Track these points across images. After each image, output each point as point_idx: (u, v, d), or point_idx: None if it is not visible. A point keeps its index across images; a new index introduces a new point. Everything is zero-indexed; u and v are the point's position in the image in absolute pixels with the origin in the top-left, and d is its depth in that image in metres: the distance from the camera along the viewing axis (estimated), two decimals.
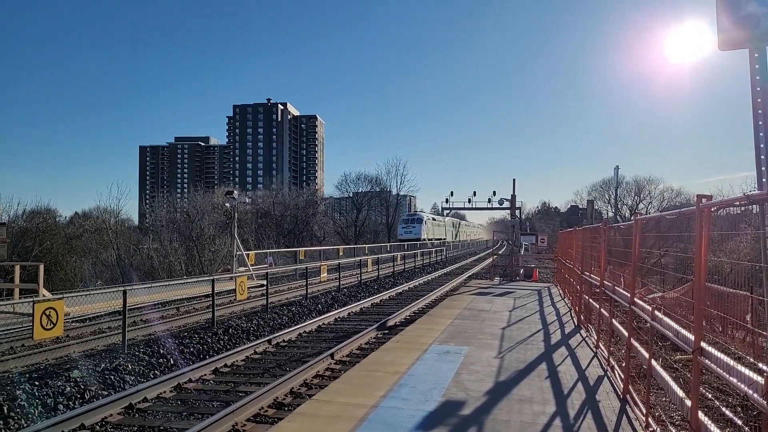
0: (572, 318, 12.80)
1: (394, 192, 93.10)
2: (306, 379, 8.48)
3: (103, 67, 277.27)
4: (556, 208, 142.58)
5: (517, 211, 33.83)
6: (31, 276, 16.90)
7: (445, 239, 75.78)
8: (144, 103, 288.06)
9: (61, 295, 9.47)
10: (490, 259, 50.81)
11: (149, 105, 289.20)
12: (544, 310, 14.31)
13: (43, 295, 13.53)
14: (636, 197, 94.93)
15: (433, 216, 78.85)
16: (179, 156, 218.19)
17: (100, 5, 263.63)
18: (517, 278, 25.61)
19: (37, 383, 7.82)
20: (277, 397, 7.48)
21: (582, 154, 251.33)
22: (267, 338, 11.32)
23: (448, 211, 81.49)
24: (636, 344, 6.26)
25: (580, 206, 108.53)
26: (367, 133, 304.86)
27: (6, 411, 6.76)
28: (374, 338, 12.02)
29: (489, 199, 59.88)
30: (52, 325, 8.26)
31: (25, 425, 6.48)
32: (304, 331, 12.81)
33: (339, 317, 15.01)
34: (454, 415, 5.76)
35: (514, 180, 30.36)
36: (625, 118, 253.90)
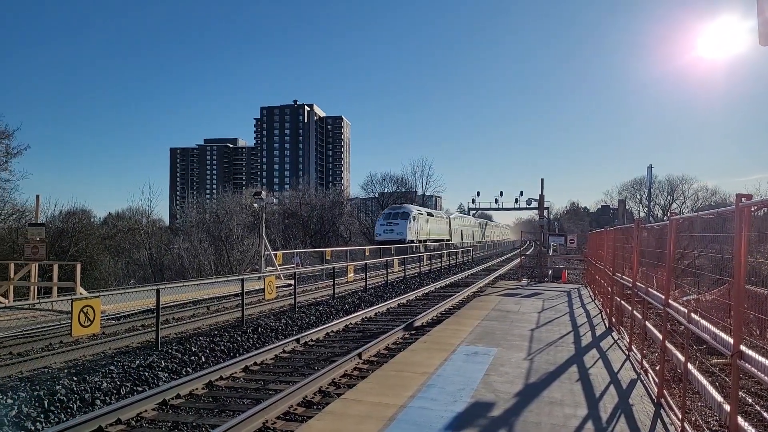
0: (603, 320, 12.59)
1: (420, 192, 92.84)
2: (334, 379, 8.54)
3: (136, 72, 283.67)
4: (585, 208, 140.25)
5: (545, 211, 33.39)
6: (67, 275, 17.40)
7: (449, 240, 63.51)
8: (175, 106, 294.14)
9: (97, 294, 9.74)
10: (518, 260, 50.45)
11: (180, 108, 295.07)
12: (574, 312, 14.11)
13: (80, 294, 13.93)
14: (669, 197, 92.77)
15: (428, 211, 62.76)
16: (208, 157, 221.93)
17: (128, 7, 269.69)
18: (546, 279, 25.29)
19: (75, 378, 8.06)
20: (306, 396, 7.55)
21: (612, 153, 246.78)
22: (295, 337, 11.43)
23: (474, 212, 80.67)
24: (671, 347, 6.12)
25: (611, 206, 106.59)
26: (392, 134, 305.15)
27: (47, 405, 6.98)
28: (401, 338, 12.02)
29: (516, 199, 59.20)
30: (89, 323, 8.49)
31: (64, 419, 6.68)
32: (332, 331, 12.89)
33: (366, 317, 15.07)
34: (484, 417, 5.73)
35: (542, 180, 29.89)
36: (657, 117, 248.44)
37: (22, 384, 7.94)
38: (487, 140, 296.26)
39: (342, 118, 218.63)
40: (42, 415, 6.72)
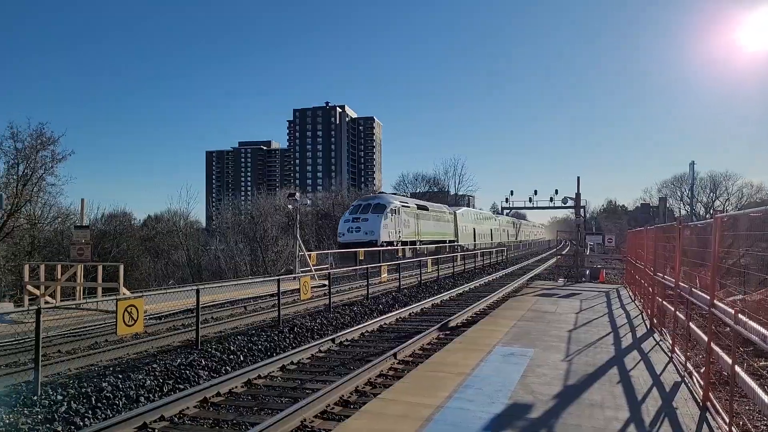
0: (644, 321, 12.28)
1: (453, 192, 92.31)
2: (370, 378, 8.58)
3: (173, 78, 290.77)
4: (623, 206, 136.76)
5: (582, 210, 32.76)
6: (110, 275, 17.98)
7: (454, 241, 51.79)
8: (210, 110, 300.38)
9: (140, 294, 10.03)
10: (554, 260, 49.60)
11: (215, 112, 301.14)
12: (613, 313, 13.80)
13: (123, 294, 14.38)
14: (711, 194, 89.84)
15: (421, 203, 47.71)
16: (243, 160, 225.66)
17: (164, 9, 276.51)
18: (583, 279, 24.81)
19: (120, 376, 8.32)
20: (343, 395, 7.61)
21: (651, 150, 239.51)
22: (331, 337, 11.53)
23: (508, 211, 79.14)
24: (716, 349, 5.94)
25: (651, 204, 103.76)
26: (424, 133, 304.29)
27: (94, 401, 7.23)
28: (436, 339, 11.99)
29: (551, 198, 57.79)
30: (133, 322, 8.76)
31: (110, 415, 6.91)
32: (367, 331, 12.95)
33: (400, 317, 15.08)
34: (522, 418, 5.67)
35: (578, 178, 29.28)
36: (697, 111, 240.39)
37: (71, 381, 8.25)
38: (521, 138, 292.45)
39: (373, 119, 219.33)
40: (89, 411, 6.96)
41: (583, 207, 35.40)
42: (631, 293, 17.88)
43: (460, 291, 21.81)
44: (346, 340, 11.89)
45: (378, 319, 14.21)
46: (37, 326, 7.59)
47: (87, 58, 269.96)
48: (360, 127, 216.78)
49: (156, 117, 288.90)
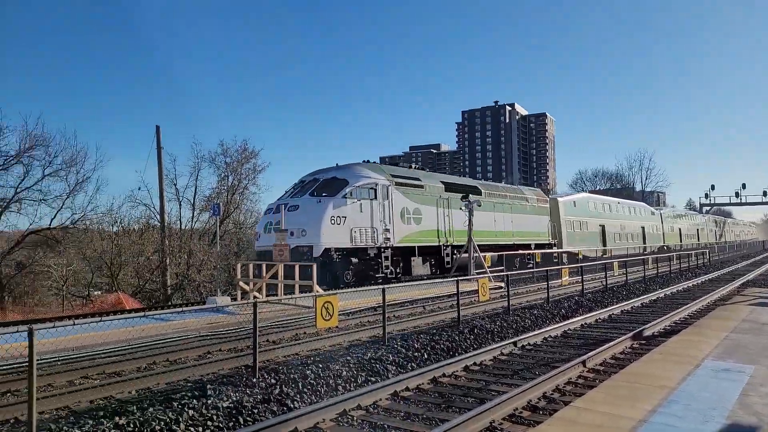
0: None
1: (638, 188, 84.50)
2: (558, 385, 8.26)
3: (347, 81, 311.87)
4: None
5: None
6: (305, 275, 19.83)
7: (551, 244, 34.65)
8: (382, 116, 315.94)
9: (334, 292, 10.96)
10: None
11: (386, 119, 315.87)
12: None
13: (317, 291, 15.83)
14: None
15: (448, 180, 28.44)
16: (413, 164, 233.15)
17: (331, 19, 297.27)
18: None
19: (320, 366, 9.17)
20: (530, 400, 7.45)
21: None
22: (512, 340, 11.35)
23: (708, 208, 69.45)
24: None
25: None
26: (603, 127, 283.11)
27: (300, 387, 8.08)
28: (629, 348, 11.09)
29: (765, 192, 49.48)
30: (329, 317, 9.61)
31: (315, 400, 7.66)
32: (549, 336, 12.48)
33: (585, 323, 14.25)
34: None
35: None
36: None
37: (280, 367, 9.32)
38: (722, 125, 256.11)
39: (545, 115, 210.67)
40: (297, 395, 7.79)
41: None
42: None
43: (653, 297, 19.84)
44: (528, 344, 11.60)
45: (561, 324, 13.60)
46: (255, 318, 8.72)
47: (284, 79, 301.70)
48: (531, 125, 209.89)
49: (334, 130, 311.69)
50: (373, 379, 8.88)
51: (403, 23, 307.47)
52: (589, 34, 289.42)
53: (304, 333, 13.09)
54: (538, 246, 32.85)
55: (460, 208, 26.01)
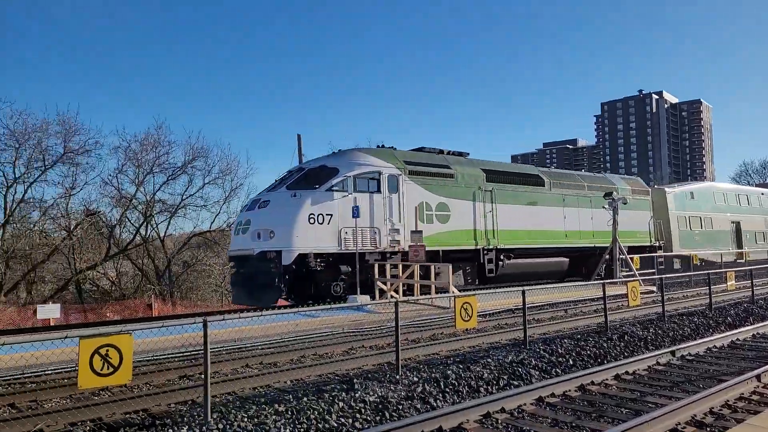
0: None
1: None
2: (728, 400, 7.41)
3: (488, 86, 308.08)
4: None
5: None
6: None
7: (655, 246, 28.17)
8: (513, 115, 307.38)
9: (473, 293, 10.92)
10: None
11: (518, 117, 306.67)
12: None
13: (453, 292, 15.85)
14: None
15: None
16: (548, 160, 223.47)
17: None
18: None
19: (461, 366, 9.18)
20: (695, 415, 6.77)
21: None
22: (669, 349, 10.41)
23: None
24: None
25: None
26: None
27: (442, 386, 8.16)
28: None
29: None
30: (468, 318, 9.58)
31: (457, 400, 7.68)
32: (714, 346, 11.24)
33: (758, 333, 12.60)
34: None
35: None
36: None
37: (421, 366, 9.49)
38: None
39: (700, 102, 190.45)
40: (440, 394, 7.87)
41: None
42: None
43: None
44: (689, 354, 10.54)
45: (727, 333, 12.19)
46: (396, 316, 8.98)
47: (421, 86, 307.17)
48: (683, 113, 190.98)
49: (469, 124, 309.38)
50: (515, 383, 8.68)
51: (530, 17, 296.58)
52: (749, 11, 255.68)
53: (442, 333, 13.18)
54: (634, 249, 26.20)
55: (513, 203, 22.12)
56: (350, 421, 6.76)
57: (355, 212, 17.27)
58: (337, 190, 17.67)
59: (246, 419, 6.66)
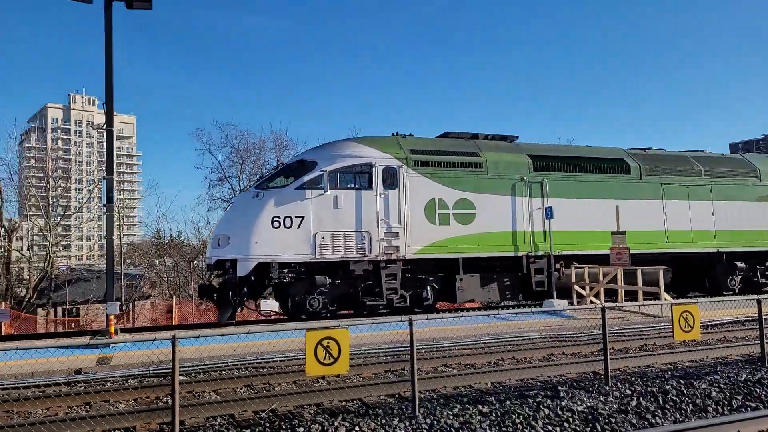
0: None
1: None
2: None
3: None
4: None
5: None
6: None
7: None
8: (700, 110, 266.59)
9: (695, 301, 9.71)
10: None
11: (705, 113, 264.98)
12: None
13: (665, 299, 14.31)
14: None
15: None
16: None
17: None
18: None
19: (682, 382, 8.24)
20: None
21: None
22: None
23: None
24: None
25: None
26: None
27: (661, 402, 7.41)
28: None
29: None
30: (689, 329, 8.54)
31: (680, 419, 6.90)
32: None
33: None
34: None
35: None
36: None
37: (633, 378, 8.74)
38: None
39: None
40: (659, 411, 7.15)
41: None
42: None
43: None
44: None
45: None
46: (603, 323, 8.42)
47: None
48: None
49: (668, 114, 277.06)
50: (752, 404, 7.50)
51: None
52: None
53: (654, 344, 11.96)
54: None
55: (575, 197, 17.52)
56: (558, 429, 6.52)
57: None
58: (310, 188, 15.02)
59: (451, 417, 6.84)
